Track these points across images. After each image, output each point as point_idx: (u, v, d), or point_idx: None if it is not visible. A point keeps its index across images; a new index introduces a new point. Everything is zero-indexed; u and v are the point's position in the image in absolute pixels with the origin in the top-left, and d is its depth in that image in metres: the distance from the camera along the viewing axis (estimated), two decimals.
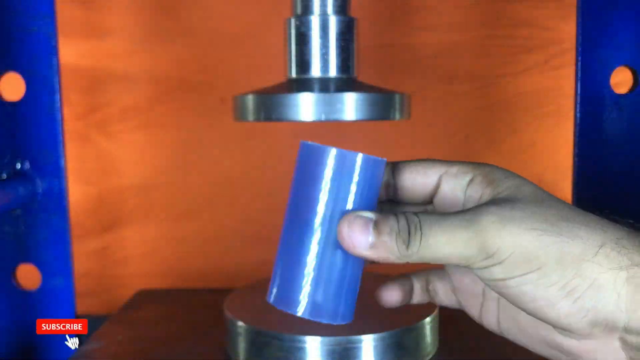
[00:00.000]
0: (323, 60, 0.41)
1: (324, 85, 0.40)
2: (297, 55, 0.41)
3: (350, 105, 0.38)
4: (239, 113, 0.41)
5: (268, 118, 0.39)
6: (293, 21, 0.41)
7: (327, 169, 0.29)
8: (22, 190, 0.50)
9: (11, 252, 0.53)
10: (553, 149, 0.64)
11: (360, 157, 0.29)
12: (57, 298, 0.53)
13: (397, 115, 0.40)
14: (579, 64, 0.50)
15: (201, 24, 0.64)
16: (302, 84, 0.40)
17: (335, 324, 0.31)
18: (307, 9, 0.41)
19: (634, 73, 0.51)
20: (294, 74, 0.42)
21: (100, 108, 0.64)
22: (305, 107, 0.38)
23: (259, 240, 0.66)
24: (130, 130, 0.64)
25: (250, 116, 0.40)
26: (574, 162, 0.51)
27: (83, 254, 0.65)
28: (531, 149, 0.65)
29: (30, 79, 0.51)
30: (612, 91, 0.51)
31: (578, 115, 0.51)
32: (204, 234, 0.66)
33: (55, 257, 0.53)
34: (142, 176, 0.65)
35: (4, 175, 0.52)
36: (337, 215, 0.30)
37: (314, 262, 0.30)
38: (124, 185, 0.65)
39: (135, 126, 0.64)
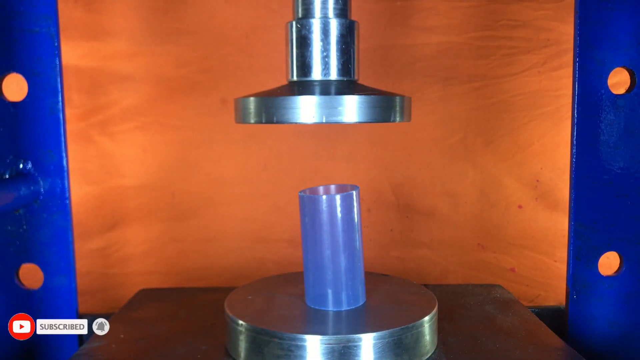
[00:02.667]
0: (324, 63, 0.41)
1: (325, 88, 0.40)
2: (298, 58, 0.42)
3: (350, 108, 0.38)
4: (240, 115, 0.41)
5: (269, 120, 0.39)
6: (294, 24, 0.41)
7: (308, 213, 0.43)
8: (24, 190, 0.51)
9: (14, 251, 0.53)
10: (551, 149, 0.65)
11: (324, 198, 0.42)
12: (59, 297, 0.53)
13: (398, 118, 0.41)
14: (577, 64, 0.51)
15: (202, 24, 0.64)
16: (303, 86, 0.41)
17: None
18: (308, 12, 0.41)
19: (632, 74, 0.51)
20: (295, 77, 0.42)
21: (102, 108, 0.65)
22: (306, 109, 0.38)
23: (259, 240, 0.67)
24: (131, 130, 0.65)
25: (252, 118, 0.40)
26: (572, 162, 0.51)
27: (85, 253, 0.66)
28: (529, 149, 0.65)
29: (33, 80, 0.52)
30: (610, 92, 0.51)
31: (576, 115, 0.51)
32: (204, 233, 0.67)
33: (58, 256, 0.53)
34: (144, 176, 0.66)
35: (7, 175, 0.52)
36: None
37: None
38: (125, 185, 0.66)
39: (137, 126, 0.65)
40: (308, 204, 0.42)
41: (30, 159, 0.52)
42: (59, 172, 0.53)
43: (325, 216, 0.42)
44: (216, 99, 0.65)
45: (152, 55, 0.64)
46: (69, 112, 0.62)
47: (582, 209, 0.52)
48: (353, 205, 0.43)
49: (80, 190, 0.65)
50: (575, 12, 0.50)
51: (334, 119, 0.38)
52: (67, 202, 0.53)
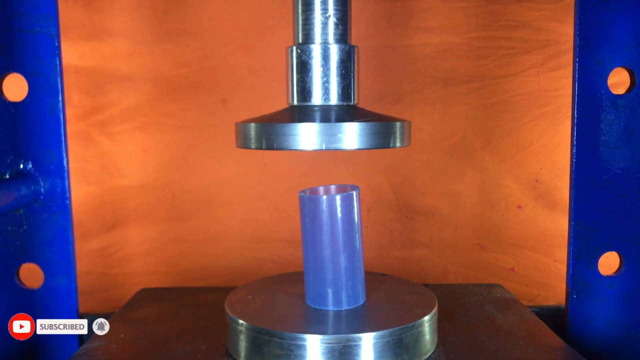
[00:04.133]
0: (324, 88, 0.41)
1: (325, 114, 0.40)
2: (298, 83, 0.42)
3: (350, 135, 0.38)
4: (241, 140, 0.42)
5: (269, 147, 0.39)
6: (294, 49, 0.42)
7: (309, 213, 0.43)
8: (24, 190, 0.51)
9: (14, 251, 0.53)
10: (550, 149, 0.65)
11: (324, 198, 0.42)
12: (59, 297, 0.53)
13: (398, 143, 0.41)
14: (577, 65, 0.51)
15: (202, 24, 0.64)
16: (304, 112, 0.41)
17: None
18: (308, 38, 0.42)
19: (632, 74, 0.51)
20: (295, 101, 0.42)
21: (102, 108, 0.65)
22: (306, 136, 0.38)
23: (259, 240, 0.67)
24: (131, 130, 0.65)
25: (252, 144, 0.40)
26: (572, 162, 0.51)
27: (85, 253, 0.66)
28: (529, 149, 0.65)
29: (33, 80, 0.52)
30: (609, 92, 0.51)
31: (576, 115, 0.51)
32: (204, 233, 0.67)
33: (58, 256, 0.53)
34: (144, 176, 0.66)
35: (7, 175, 0.52)
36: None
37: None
38: (125, 185, 0.66)
39: (137, 126, 0.65)
40: (308, 204, 0.43)
41: (30, 159, 0.52)
42: (59, 172, 0.53)
43: (325, 216, 0.42)
44: (216, 99, 0.65)
45: (152, 55, 0.64)
46: (69, 112, 0.62)
47: (582, 209, 0.52)
48: (353, 206, 0.43)
49: (80, 190, 0.65)
50: (575, 12, 0.50)
51: (334, 146, 0.38)
52: (68, 202, 0.53)
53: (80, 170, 0.65)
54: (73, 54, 0.63)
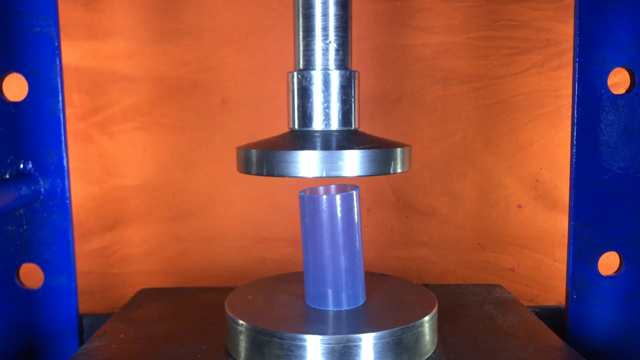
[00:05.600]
0: (325, 114, 0.41)
1: (326, 140, 0.41)
2: (299, 109, 0.42)
3: (350, 162, 0.39)
4: (242, 166, 0.42)
5: (270, 174, 0.39)
6: (295, 75, 0.42)
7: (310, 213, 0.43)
8: (25, 190, 0.51)
9: (14, 251, 0.53)
10: (550, 149, 0.65)
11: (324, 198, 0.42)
12: (59, 297, 0.53)
13: (398, 169, 0.41)
14: (577, 64, 0.51)
15: (202, 24, 0.64)
16: (305, 138, 0.41)
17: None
18: (309, 64, 0.42)
19: (632, 74, 0.51)
20: (296, 126, 0.43)
21: (102, 108, 0.65)
22: (307, 164, 0.38)
23: (259, 240, 0.67)
24: (131, 130, 0.65)
25: (253, 170, 0.41)
26: (572, 162, 0.51)
27: (85, 253, 0.66)
28: (529, 149, 0.65)
29: (33, 80, 0.52)
30: (609, 92, 0.51)
31: (576, 115, 0.51)
32: (204, 233, 0.67)
33: (58, 256, 0.53)
34: (144, 176, 0.66)
35: (7, 175, 0.52)
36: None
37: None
38: (125, 184, 0.66)
39: (137, 126, 0.65)
40: (308, 204, 0.43)
41: (30, 159, 0.53)
42: (59, 172, 0.53)
43: (325, 216, 0.42)
44: (216, 99, 0.65)
45: (152, 55, 0.64)
46: (69, 112, 0.63)
47: (582, 209, 0.52)
48: (353, 205, 0.43)
49: (80, 190, 0.65)
50: (575, 12, 0.50)
51: (335, 173, 0.38)
52: (68, 202, 0.53)
53: (80, 170, 0.65)
54: (73, 54, 0.63)
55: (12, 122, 0.52)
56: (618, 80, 0.52)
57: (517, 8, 0.63)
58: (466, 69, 0.64)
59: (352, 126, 0.43)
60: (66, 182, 0.53)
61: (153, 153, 0.65)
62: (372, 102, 0.65)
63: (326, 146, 0.39)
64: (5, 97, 0.52)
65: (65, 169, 0.53)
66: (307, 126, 0.42)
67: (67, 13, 0.63)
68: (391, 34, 0.64)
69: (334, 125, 0.42)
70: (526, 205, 0.66)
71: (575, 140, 0.51)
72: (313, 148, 0.39)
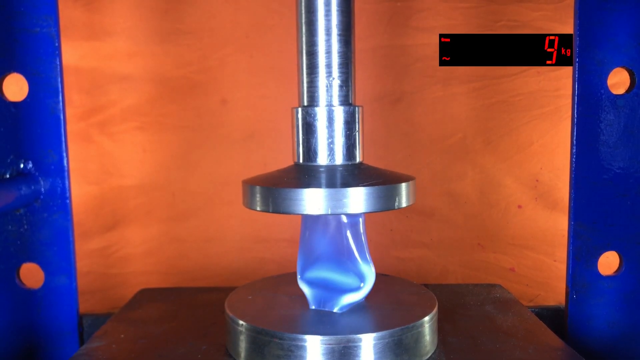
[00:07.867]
0: (329, 149, 0.42)
1: (331, 176, 0.41)
2: (304, 144, 0.43)
3: (355, 199, 0.39)
4: (248, 201, 0.42)
5: (276, 211, 0.40)
6: (299, 111, 0.42)
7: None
8: (25, 189, 0.51)
9: (14, 251, 0.53)
10: (550, 149, 0.65)
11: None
12: (60, 297, 0.53)
13: (403, 204, 0.41)
14: (577, 65, 0.51)
15: (202, 24, 0.64)
16: (309, 173, 0.42)
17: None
18: (313, 100, 0.42)
19: (631, 74, 0.51)
20: (301, 161, 0.43)
21: (102, 108, 0.65)
22: (312, 202, 0.39)
23: (259, 240, 0.67)
24: (131, 130, 0.65)
25: (259, 207, 0.41)
26: (572, 162, 0.51)
27: (85, 253, 0.66)
28: (528, 149, 0.65)
29: (33, 80, 0.52)
30: (609, 92, 0.51)
31: (576, 115, 0.51)
32: (204, 233, 0.67)
33: (58, 256, 0.53)
34: (144, 176, 0.66)
35: (7, 175, 0.52)
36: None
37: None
38: (125, 184, 0.66)
39: (137, 126, 0.65)
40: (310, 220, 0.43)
41: (30, 158, 0.53)
42: (60, 172, 0.53)
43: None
44: (216, 99, 0.65)
45: (152, 55, 0.64)
46: (69, 112, 0.62)
47: (582, 209, 0.52)
48: (359, 226, 0.43)
49: (80, 190, 0.65)
50: (575, 12, 0.50)
51: (340, 210, 0.39)
52: (68, 201, 0.53)
53: (80, 170, 0.65)
54: (73, 54, 0.63)
55: (12, 122, 0.52)
56: (618, 81, 0.52)
57: (517, 8, 0.63)
58: (466, 69, 0.64)
59: (356, 160, 0.43)
60: (66, 182, 0.53)
61: (153, 153, 0.65)
62: (372, 102, 0.65)
63: (331, 183, 0.40)
64: (5, 97, 0.52)
65: (66, 168, 0.53)
66: (312, 161, 0.43)
67: (67, 13, 0.63)
68: (391, 34, 0.64)
69: (339, 159, 0.42)
70: (526, 205, 0.66)
71: (575, 140, 0.51)
72: (318, 186, 0.39)
